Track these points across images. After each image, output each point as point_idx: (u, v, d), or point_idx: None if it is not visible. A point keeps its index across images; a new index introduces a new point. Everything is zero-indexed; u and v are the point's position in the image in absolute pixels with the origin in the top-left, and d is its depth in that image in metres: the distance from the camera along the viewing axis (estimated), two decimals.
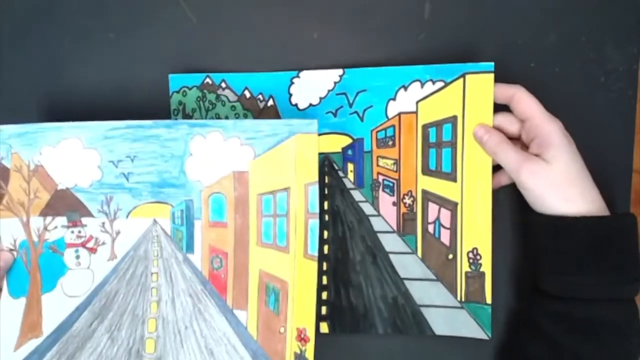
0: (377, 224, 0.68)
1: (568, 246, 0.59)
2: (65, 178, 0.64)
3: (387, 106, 0.67)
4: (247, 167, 0.63)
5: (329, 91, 0.68)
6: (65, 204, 0.64)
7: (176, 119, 0.70)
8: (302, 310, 0.62)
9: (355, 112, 0.68)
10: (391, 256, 0.68)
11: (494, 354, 0.68)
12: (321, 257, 0.67)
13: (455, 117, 0.65)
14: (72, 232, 0.64)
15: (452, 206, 0.65)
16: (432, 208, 0.67)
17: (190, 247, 0.64)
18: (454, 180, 0.65)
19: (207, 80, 0.69)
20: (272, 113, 0.69)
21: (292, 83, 0.69)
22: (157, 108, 0.70)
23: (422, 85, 0.66)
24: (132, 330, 0.64)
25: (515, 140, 0.63)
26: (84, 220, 0.64)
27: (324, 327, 0.68)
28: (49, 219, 0.64)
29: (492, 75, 0.63)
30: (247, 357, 0.62)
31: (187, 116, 0.70)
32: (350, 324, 0.68)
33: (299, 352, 0.62)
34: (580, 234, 0.58)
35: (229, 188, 0.63)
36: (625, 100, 0.67)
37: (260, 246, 0.63)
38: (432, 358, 0.69)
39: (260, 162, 0.62)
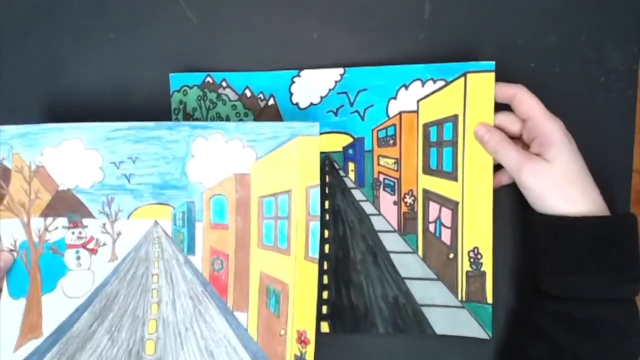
0: (377, 223, 0.68)
1: (568, 246, 0.59)
2: (67, 179, 0.63)
3: (388, 105, 0.67)
4: (249, 169, 0.63)
5: (329, 90, 0.68)
6: (66, 205, 0.64)
7: (177, 118, 0.70)
8: (302, 313, 0.62)
9: (356, 111, 0.68)
10: (392, 255, 0.68)
11: (494, 353, 0.68)
12: (322, 257, 0.67)
13: (456, 116, 0.65)
14: (73, 233, 0.64)
15: (453, 205, 0.65)
16: (433, 207, 0.67)
17: (191, 249, 0.64)
18: (455, 179, 0.65)
19: (208, 79, 0.69)
20: (272, 112, 0.69)
21: (293, 82, 0.68)
22: (157, 107, 0.70)
23: (423, 84, 0.66)
24: (132, 331, 0.63)
25: (516, 139, 0.63)
26: (85, 221, 0.64)
27: (325, 327, 0.68)
28: (49, 219, 0.64)
29: (493, 74, 0.63)
30: (247, 359, 0.62)
31: (187, 115, 0.69)
32: (351, 323, 0.68)
33: (299, 354, 0.62)
34: (581, 234, 0.58)
35: (231, 190, 0.63)
36: (625, 100, 0.67)
37: (261, 248, 0.63)
38: (432, 357, 0.69)
39: (262, 164, 0.62)
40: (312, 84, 0.68)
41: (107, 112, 0.69)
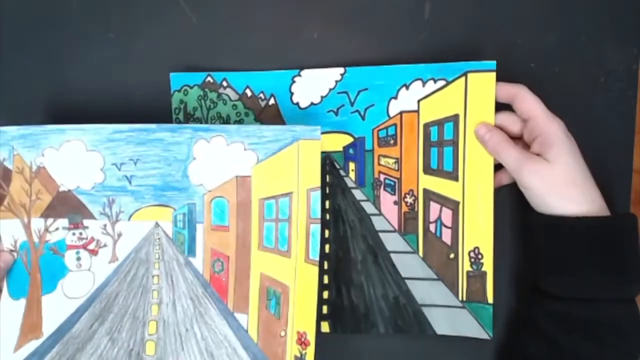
0: (378, 223, 0.68)
1: (568, 246, 0.59)
2: (68, 180, 0.63)
3: (388, 105, 0.67)
4: (250, 172, 0.63)
5: (330, 90, 0.68)
6: (67, 206, 0.63)
7: (177, 117, 0.70)
8: (302, 314, 0.62)
9: (357, 110, 0.68)
10: (392, 255, 0.68)
11: (494, 353, 0.69)
12: (322, 256, 0.67)
13: (457, 116, 0.65)
14: (74, 233, 0.64)
15: (453, 205, 0.65)
16: (434, 207, 0.67)
17: (191, 251, 0.64)
18: (456, 179, 0.65)
19: (209, 79, 0.69)
20: (273, 112, 0.69)
21: (294, 82, 0.68)
22: (158, 107, 0.70)
23: (424, 83, 0.66)
24: (132, 332, 0.63)
25: (517, 139, 0.63)
26: (86, 222, 0.64)
27: (325, 327, 0.68)
28: (50, 220, 0.63)
29: (494, 74, 0.63)
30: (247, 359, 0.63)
31: (188, 115, 0.69)
32: (351, 323, 0.68)
33: (299, 355, 0.62)
34: (581, 234, 0.58)
35: (232, 192, 0.63)
36: (625, 100, 0.67)
37: (262, 250, 0.63)
38: (433, 358, 0.70)
39: (263, 167, 0.62)
40: (313, 84, 0.68)
41: (107, 112, 0.70)
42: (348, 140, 0.68)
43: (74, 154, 0.63)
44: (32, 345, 0.63)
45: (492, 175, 0.64)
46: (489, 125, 0.63)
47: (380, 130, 0.68)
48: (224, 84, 0.69)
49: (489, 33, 0.68)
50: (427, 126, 0.66)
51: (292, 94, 0.69)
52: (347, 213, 0.69)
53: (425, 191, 0.67)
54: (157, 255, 0.65)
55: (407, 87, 0.66)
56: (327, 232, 0.69)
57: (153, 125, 0.63)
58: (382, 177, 0.68)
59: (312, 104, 0.68)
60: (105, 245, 0.64)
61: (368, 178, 0.68)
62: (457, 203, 0.65)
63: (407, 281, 0.67)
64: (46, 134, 0.62)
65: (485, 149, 0.63)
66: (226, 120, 0.69)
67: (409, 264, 0.67)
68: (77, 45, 0.71)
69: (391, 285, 0.67)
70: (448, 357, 0.69)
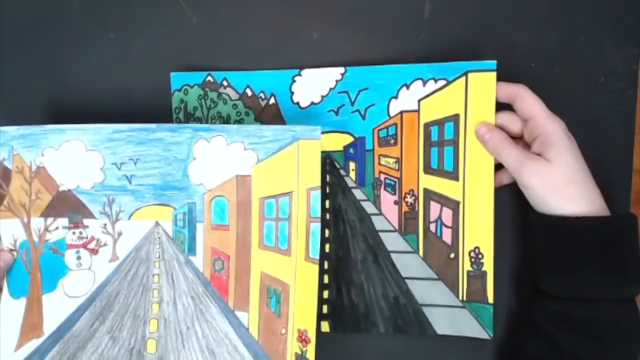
0: (378, 222, 0.68)
1: (569, 246, 0.59)
2: (68, 180, 0.63)
3: (389, 104, 0.67)
4: (250, 171, 0.63)
5: (330, 89, 0.68)
6: (67, 205, 0.63)
7: (178, 117, 0.70)
8: (303, 312, 0.62)
9: (357, 110, 0.68)
10: (392, 255, 0.68)
11: (494, 353, 0.68)
12: (322, 256, 0.67)
13: (457, 116, 0.65)
14: (74, 233, 0.64)
15: (453, 205, 0.65)
16: (434, 207, 0.67)
17: (192, 250, 0.64)
18: (456, 179, 0.65)
19: (209, 78, 0.69)
20: (273, 111, 0.69)
21: (294, 81, 0.68)
22: (158, 107, 0.70)
23: (424, 83, 0.66)
24: (133, 330, 0.64)
25: (518, 139, 0.63)
26: (86, 221, 0.64)
27: (325, 326, 0.68)
28: (50, 219, 0.64)
29: (494, 74, 0.63)
30: (248, 357, 0.63)
31: (188, 114, 0.69)
32: (351, 323, 0.68)
33: (300, 353, 0.62)
34: (581, 234, 0.58)
35: (232, 192, 0.63)
36: (625, 100, 0.67)
37: (262, 249, 0.63)
38: (433, 357, 0.70)
39: (263, 167, 0.62)
40: (313, 83, 0.68)
41: (107, 112, 0.70)
42: (348, 139, 0.68)
43: (73, 153, 0.63)
44: (33, 344, 0.63)
45: (492, 175, 0.64)
46: (489, 125, 0.63)
47: (380, 129, 0.68)
48: (225, 83, 0.69)
49: (489, 33, 0.68)
50: (427, 126, 0.66)
51: (292, 93, 0.69)
52: (347, 213, 0.69)
53: (426, 191, 0.67)
54: (158, 254, 0.65)
55: (408, 87, 0.66)
56: (327, 232, 0.69)
57: (153, 125, 0.63)
58: (382, 176, 0.68)
59: (312, 103, 0.68)
60: (105, 245, 0.64)
61: (368, 178, 0.68)
62: (458, 203, 0.65)
63: (407, 281, 0.67)
64: (46, 134, 0.63)
65: (486, 149, 0.63)
66: (226, 120, 0.69)
67: (409, 264, 0.67)
68: (77, 45, 0.71)
69: (391, 284, 0.67)
70: (448, 357, 0.69)
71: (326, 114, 0.68)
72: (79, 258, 0.64)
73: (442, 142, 0.66)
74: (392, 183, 0.68)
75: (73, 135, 0.63)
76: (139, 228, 0.64)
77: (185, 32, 0.70)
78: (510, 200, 0.67)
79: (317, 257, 0.62)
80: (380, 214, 0.68)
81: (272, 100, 0.69)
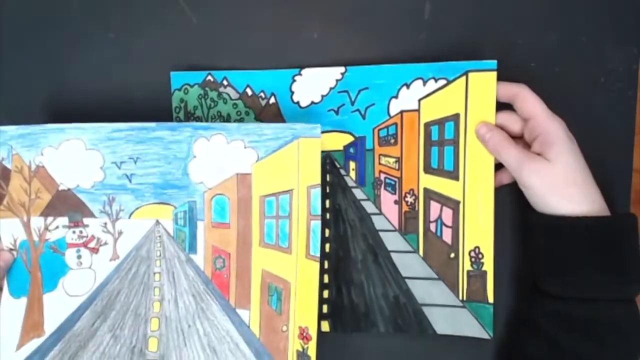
0: (378, 222, 0.68)
1: (569, 246, 0.59)
2: (67, 179, 0.64)
3: (389, 104, 0.67)
4: (251, 169, 0.63)
5: (330, 89, 0.68)
6: (66, 205, 0.64)
7: (178, 116, 0.70)
8: (304, 310, 0.62)
9: (357, 110, 0.68)
10: (393, 255, 0.68)
11: (494, 353, 0.69)
12: (322, 256, 0.67)
13: (457, 115, 0.65)
14: (74, 232, 0.64)
15: (454, 205, 0.65)
16: (434, 206, 0.67)
17: (192, 248, 0.64)
18: (456, 178, 0.65)
19: (209, 77, 0.69)
20: (273, 111, 0.69)
21: (294, 81, 0.68)
22: (158, 106, 0.70)
23: (425, 83, 0.66)
24: (134, 329, 0.64)
25: (518, 139, 0.63)
26: (86, 220, 0.64)
27: (325, 326, 0.68)
28: (50, 219, 0.64)
29: (494, 73, 0.63)
30: (249, 354, 0.63)
31: (189, 114, 0.69)
32: (351, 322, 0.68)
33: (301, 350, 0.62)
34: (581, 234, 0.58)
35: (232, 190, 0.63)
36: (625, 100, 0.67)
37: (263, 247, 0.63)
38: (432, 357, 0.70)
39: (264, 165, 0.62)
40: (313, 83, 0.68)
41: (107, 112, 0.69)
42: (348, 139, 0.68)
43: (73, 152, 0.63)
44: (34, 343, 0.63)
45: (492, 175, 0.64)
46: (489, 125, 0.63)
47: (380, 129, 0.68)
48: (225, 82, 0.69)
49: (489, 33, 0.68)
50: (427, 125, 0.66)
51: (292, 93, 0.69)
52: (347, 212, 0.69)
53: (426, 190, 0.67)
54: (158, 253, 0.65)
55: (408, 87, 0.66)
56: (327, 232, 0.69)
57: (153, 124, 0.63)
58: (382, 176, 0.68)
59: (312, 103, 0.69)
60: (105, 243, 0.64)
61: (368, 177, 0.69)
62: (458, 202, 0.65)
63: (407, 280, 0.67)
64: (45, 133, 0.63)
65: (486, 149, 0.63)
66: (227, 119, 0.69)
67: (409, 264, 0.67)
68: (77, 45, 0.71)
69: (391, 284, 0.67)
70: (448, 356, 0.69)
71: (326, 114, 0.68)
72: (79, 257, 0.64)
73: (442, 142, 0.66)
74: (392, 182, 0.68)
75: (73, 135, 0.63)
76: (140, 227, 0.64)
77: (185, 32, 0.70)
78: (510, 200, 0.67)
79: (318, 254, 0.62)
80: (381, 213, 0.68)
81: (272, 100, 0.69)
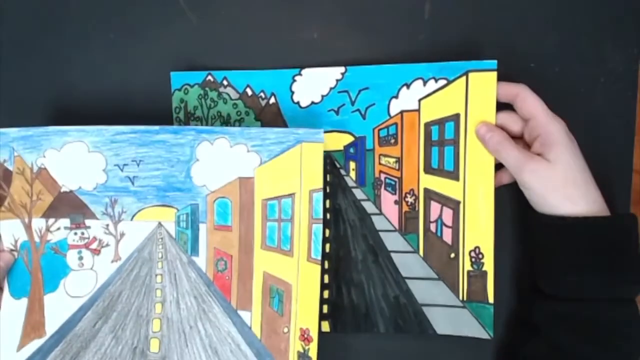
0: (378, 222, 0.69)
1: (569, 246, 0.59)
2: (69, 181, 0.64)
3: (389, 104, 0.67)
4: (253, 173, 0.63)
5: (331, 89, 0.68)
6: (68, 206, 0.64)
7: (178, 116, 0.70)
8: (305, 312, 0.62)
9: (358, 110, 0.68)
10: (393, 255, 0.68)
11: (494, 353, 0.69)
12: (323, 256, 0.67)
13: (457, 115, 0.65)
14: (75, 233, 0.64)
15: (454, 205, 0.65)
16: (434, 207, 0.67)
17: (194, 250, 0.64)
18: (456, 178, 0.65)
19: (209, 77, 0.69)
20: (273, 111, 0.69)
21: (294, 81, 0.68)
22: (158, 107, 0.70)
23: (425, 83, 0.66)
24: (136, 330, 0.64)
25: (518, 139, 0.64)
26: (88, 222, 0.64)
27: (325, 326, 0.68)
28: (51, 220, 0.64)
29: (495, 73, 0.63)
30: (251, 355, 0.63)
31: (189, 114, 0.69)
32: (351, 323, 0.68)
33: (302, 351, 0.62)
34: (581, 234, 0.58)
35: (235, 193, 0.63)
36: (625, 100, 0.68)
37: (265, 249, 0.64)
38: (433, 357, 0.70)
39: (266, 169, 0.63)
40: (314, 83, 0.68)
41: (107, 112, 0.70)
42: (349, 139, 0.68)
43: (75, 155, 0.63)
44: (36, 344, 0.63)
45: (492, 175, 0.64)
46: (489, 125, 0.63)
47: (381, 129, 0.68)
48: (225, 82, 0.69)
49: (489, 33, 0.68)
50: (428, 125, 0.67)
51: (292, 93, 0.69)
52: (347, 212, 0.69)
53: (426, 190, 0.67)
54: (160, 255, 0.65)
55: (408, 87, 0.66)
56: (327, 232, 0.69)
57: (156, 127, 0.63)
58: (382, 176, 0.69)
59: (312, 103, 0.69)
60: (107, 245, 0.64)
61: (369, 177, 0.69)
62: (458, 202, 0.65)
63: (407, 281, 0.67)
64: (47, 135, 0.63)
65: (486, 149, 0.63)
66: (227, 119, 0.69)
67: (410, 264, 0.67)
68: (77, 46, 0.71)
69: (391, 284, 0.68)
70: (448, 357, 0.69)
71: (326, 114, 0.68)
72: (81, 258, 0.64)
73: (442, 142, 0.66)
74: (393, 183, 0.68)
75: (75, 137, 0.63)
76: (142, 229, 0.64)
77: (185, 32, 0.70)
78: (511, 200, 0.67)
79: (319, 257, 0.62)
80: (381, 213, 0.69)
81: (272, 100, 0.69)
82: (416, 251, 0.67)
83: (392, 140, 0.68)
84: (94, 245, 0.64)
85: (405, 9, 0.69)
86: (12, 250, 0.63)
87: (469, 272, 0.65)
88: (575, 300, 0.59)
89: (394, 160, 0.68)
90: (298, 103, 0.69)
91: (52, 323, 0.63)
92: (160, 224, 0.64)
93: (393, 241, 0.68)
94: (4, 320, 0.63)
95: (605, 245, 0.58)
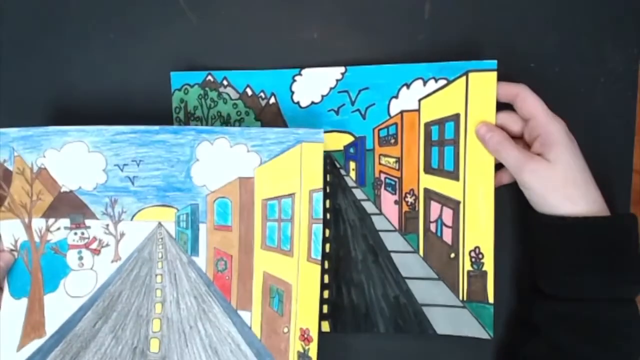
0: (378, 222, 0.69)
1: (569, 246, 0.59)
2: (69, 181, 0.64)
3: (389, 104, 0.67)
4: (253, 173, 0.63)
5: (331, 89, 0.68)
6: (68, 206, 0.64)
7: (178, 116, 0.70)
8: (305, 312, 0.62)
9: (358, 110, 0.68)
10: (393, 255, 0.68)
11: (494, 353, 0.69)
12: (323, 256, 0.67)
13: (457, 115, 0.65)
14: (75, 233, 0.64)
15: (454, 205, 0.65)
16: (434, 207, 0.67)
17: (194, 250, 0.65)
18: (456, 178, 0.65)
19: (209, 77, 0.69)
20: (273, 111, 0.69)
21: (294, 81, 0.68)
22: (158, 107, 0.70)
23: (425, 83, 0.66)
24: (136, 330, 0.64)
25: (518, 139, 0.64)
26: (88, 222, 0.64)
27: (325, 326, 0.68)
28: (51, 220, 0.64)
29: (495, 73, 0.63)
30: (251, 355, 0.63)
31: (189, 114, 0.69)
32: (351, 323, 0.68)
33: (302, 351, 0.62)
34: (581, 234, 0.58)
35: (235, 193, 0.63)
36: (625, 100, 0.68)
37: (265, 249, 0.64)
38: (433, 357, 0.70)
39: (266, 168, 0.63)
40: (314, 83, 0.68)
41: (107, 112, 0.70)
42: (349, 139, 0.68)
43: (75, 155, 0.63)
44: (36, 344, 0.63)
45: (492, 175, 0.64)
46: (489, 125, 0.63)
47: (381, 129, 0.68)
48: (225, 82, 0.69)
49: (489, 33, 0.68)
50: (428, 125, 0.67)
51: (292, 92, 0.69)
52: (347, 212, 0.69)
53: (426, 190, 0.67)
54: (160, 255, 0.65)
55: (408, 87, 0.66)
56: (327, 232, 0.69)
57: (156, 127, 0.63)
58: (382, 176, 0.69)
59: (312, 103, 0.69)
60: (107, 245, 0.64)
61: (369, 177, 0.69)
62: (458, 202, 0.65)
63: (407, 281, 0.67)
64: (47, 136, 0.63)
65: (486, 149, 0.63)
66: (227, 119, 0.69)
67: (410, 264, 0.67)
68: (77, 46, 0.71)
69: (391, 284, 0.68)
70: (448, 357, 0.69)
71: (326, 114, 0.68)
72: (81, 258, 0.64)
73: (442, 142, 0.66)
74: (393, 183, 0.68)
75: (75, 137, 0.63)
76: (142, 229, 0.64)
77: (185, 32, 0.70)
78: (511, 200, 0.67)
79: (319, 257, 0.62)
80: (381, 213, 0.69)
81: (272, 100, 0.69)
82: (416, 251, 0.67)
83: (392, 140, 0.68)
84: (94, 245, 0.64)
85: (405, 9, 0.69)
86: (12, 250, 0.63)
87: (469, 272, 0.65)
88: (575, 300, 0.59)
89: (394, 160, 0.68)
90: (298, 103, 0.69)
91: (52, 323, 0.63)
92: (160, 224, 0.64)
93: (393, 241, 0.68)
94: (4, 320, 0.63)
95: (605, 245, 0.58)
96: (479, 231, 0.65)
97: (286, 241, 0.63)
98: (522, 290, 0.68)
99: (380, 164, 0.68)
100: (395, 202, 0.68)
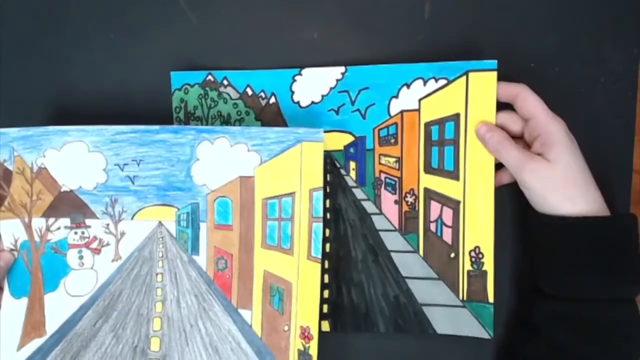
0: (378, 222, 0.69)
1: (568, 246, 0.59)
2: (70, 180, 0.64)
3: (389, 104, 0.67)
4: (253, 172, 0.63)
5: (331, 89, 0.68)
6: (68, 206, 0.64)
7: (178, 116, 0.70)
8: (305, 310, 0.63)
9: (358, 109, 0.68)
10: (393, 255, 0.68)
11: (494, 353, 0.69)
12: (323, 256, 0.67)
13: (457, 115, 0.65)
14: (76, 233, 0.64)
15: (454, 204, 0.65)
16: (434, 206, 0.67)
17: (195, 249, 0.65)
18: (457, 178, 0.65)
19: (209, 77, 0.69)
20: (274, 110, 0.69)
21: (294, 80, 0.68)
22: (158, 106, 0.70)
23: (425, 83, 0.66)
24: (137, 329, 0.64)
25: (518, 139, 0.64)
26: (88, 221, 0.64)
27: (326, 326, 0.68)
28: (51, 220, 0.64)
29: (495, 73, 0.63)
30: (251, 354, 0.63)
31: (189, 114, 0.69)
32: (351, 322, 0.68)
33: (302, 349, 0.62)
34: (581, 234, 0.58)
35: (235, 192, 0.63)
36: (625, 100, 0.68)
37: (265, 248, 0.64)
38: (433, 357, 0.70)
39: (266, 168, 0.63)
40: (314, 83, 0.68)
41: (108, 112, 0.70)
42: (349, 139, 0.69)
43: (75, 154, 0.63)
44: (36, 343, 0.63)
45: (492, 175, 0.64)
46: (489, 125, 0.63)
47: (381, 129, 0.68)
48: (225, 82, 0.69)
49: (489, 33, 0.68)
50: (428, 125, 0.67)
51: (292, 92, 0.69)
52: (347, 212, 0.69)
53: (426, 190, 0.67)
54: (161, 254, 0.65)
55: (408, 86, 0.66)
56: (327, 231, 0.69)
57: (156, 127, 0.63)
58: (382, 176, 0.69)
59: (312, 102, 0.69)
60: (108, 244, 0.64)
61: (369, 177, 0.69)
62: (458, 202, 0.65)
63: (407, 280, 0.67)
64: (47, 135, 0.63)
65: (486, 148, 0.63)
66: (227, 119, 0.69)
67: (410, 263, 0.67)
68: (77, 46, 0.71)
69: (391, 284, 0.68)
70: (448, 356, 0.69)
71: (326, 114, 0.68)
72: (81, 258, 0.64)
73: (442, 142, 0.66)
74: (393, 182, 0.68)
75: (75, 137, 0.63)
76: (142, 228, 0.64)
77: (185, 32, 0.70)
78: (511, 200, 0.67)
79: (319, 256, 0.62)
80: (381, 213, 0.69)
81: (272, 100, 0.69)
82: (416, 251, 0.67)
83: (392, 140, 0.68)
84: (94, 245, 0.64)
85: (405, 9, 0.69)
86: (12, 249, 0.63)
87: (469, 271, 0.65)
88: (575, 300, 0.59)
89: (394, 160, 0.68)
90: (298, 103, 0.69)
91: (53, 322, 0.63)
92: (160, 223, 0.64)
93: (393, 241, 0.68)
94: (4, 319, 0.63)
95: (605, 245, 0.58)
96: (479, 231, 0.65)
97: (286, 240, 0.63)
98: (522, 290, 0.68)
99: (380, 163, 0.68)
100: (395, 201, 0.68)
